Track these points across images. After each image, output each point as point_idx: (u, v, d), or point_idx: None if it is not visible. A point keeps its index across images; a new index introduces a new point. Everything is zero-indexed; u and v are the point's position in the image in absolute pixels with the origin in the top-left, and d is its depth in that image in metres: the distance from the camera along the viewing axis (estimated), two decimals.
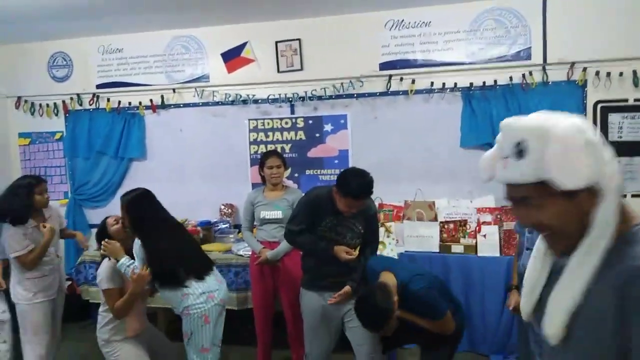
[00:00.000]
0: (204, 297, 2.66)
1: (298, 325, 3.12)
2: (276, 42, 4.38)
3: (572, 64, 3.85)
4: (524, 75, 3.94)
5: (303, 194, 3.20)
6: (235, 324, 3.70)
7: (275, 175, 3.38)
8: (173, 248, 2.68)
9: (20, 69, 5.00)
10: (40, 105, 4.96)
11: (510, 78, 3.96)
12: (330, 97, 4.32)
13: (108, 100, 4.77)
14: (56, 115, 4.94)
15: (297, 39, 4.34)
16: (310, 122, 4.45)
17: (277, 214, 3.33)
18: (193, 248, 2.87)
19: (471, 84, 4.03)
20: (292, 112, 4.48)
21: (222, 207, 4.54)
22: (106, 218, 2.91)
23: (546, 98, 3.90)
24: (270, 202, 3.37)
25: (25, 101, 4.98)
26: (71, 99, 4.86)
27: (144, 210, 2.70)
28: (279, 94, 4.40)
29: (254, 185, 4.23)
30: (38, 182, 3.07)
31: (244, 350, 3.77)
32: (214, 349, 2.73)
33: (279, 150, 4.44)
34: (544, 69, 3.92)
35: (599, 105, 3.89)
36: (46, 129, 5.01)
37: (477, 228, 3.78)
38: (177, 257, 2.66)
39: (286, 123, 4.50)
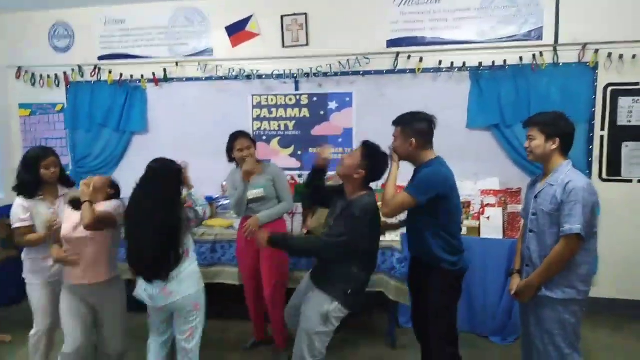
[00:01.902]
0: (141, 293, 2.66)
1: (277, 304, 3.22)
2: (282, 16, 4.29)
3: (584, 45, 3.77)
4: (534, 56, 3.86)
5: (280, 168, 3.34)
6: (234, 300, 3.72)
7: (246, 156, 3.22)
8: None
9: (21, 38, 4.91)
10: (41, 76, 4.89)
11: (521, 58, 3.88)
12: (336, 74, 4.24)
13: (110, 72, 4.70)
14: (57, 86, 4.87)
15: (303, 14, 4.24)
16: (315, 99, 4.38)
17: (259, 192, 3.24)
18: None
19: (480, 63, 3.95)
20: (297, 88, 4.41)
21: (224, 183, 4.50)
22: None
23: (556, 80, 3.83)
24: (251, 183, 3.22)
25: (26, 71, 4.91)
26: (72, 70, 4.79)
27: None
28: (284, 70, 4.33)
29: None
30: (44, 156, 2.89)
31: (243, 325, 3.78)
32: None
33: (282, 127, 4.41)
34: (555, 50, 3.84)
35: (610, 89, 3.82)
36: (47, 100, 4.95)
37: (481, 210, 3.75)
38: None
39: (290, 100, 4.44)
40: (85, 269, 2.70)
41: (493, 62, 3.93)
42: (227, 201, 4.27)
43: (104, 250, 2.72)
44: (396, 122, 2.56)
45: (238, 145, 3.27)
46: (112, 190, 2.86)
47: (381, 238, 3.47)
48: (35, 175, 2.86)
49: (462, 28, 4.02)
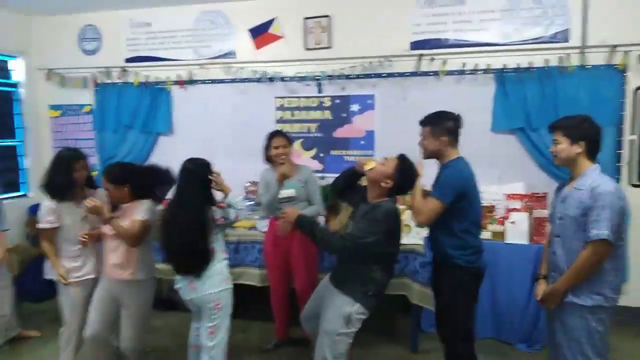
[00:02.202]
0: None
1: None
2: (305, 19, 4.31)
3: (613, 47, 3.68)
4: (560, 58, 3.79)
5: (312, 171, 3.40)
6: (256, 301, 3.74)
7: (282, 155, 3.31)
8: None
9: (52, 42, 5.05)
10: (71, 78, 5.01)
11: (546, 60, 3.82)
12: (358, 77, 4.25)
13: (136, 74, 4.79)
14: (85, 88, 4.98)
15: (326, 16, 4.26)
16: (337, 101, 4.38)
17: (291, 192, 3.31)
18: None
19: (505, 65, 3.90)
20: (319, 91, 4.42)
21: (247, 184, 4.54)
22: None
23: (584, 82, 3.76)
24: (283, 183, 3.29)
25: (56, 73, 5.03)
26: (100, 72, 4.90)
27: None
28: (307, 72, 4.35)
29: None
30: (77, 158, 2.93)
31: (264, 327, 3.80)
32: None
33: (305, 130, 4.42)
34: (582, 52, 3.76)
35: None
36: (75, 102, 5.07)
37: (506, 214, 3.70)
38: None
39: (313, 102, 4.45)
40: (115, 265, 2.81)
41: (518, 65, 3.87)
42: (250, 202, 4.30)
43: (133, 250, 2.80)
44: (424, 122, 2.64)
45: (275, 143, 3.35)
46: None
47: (404, 241, 3.48)
48: (69, 177, 2.88)
49: (487, 30, 3.98)
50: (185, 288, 2.69)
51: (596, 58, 3.76)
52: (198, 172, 2.70)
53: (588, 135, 2.26)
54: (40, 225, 2.90)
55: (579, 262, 2.19)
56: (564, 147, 2.29)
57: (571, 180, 2.34)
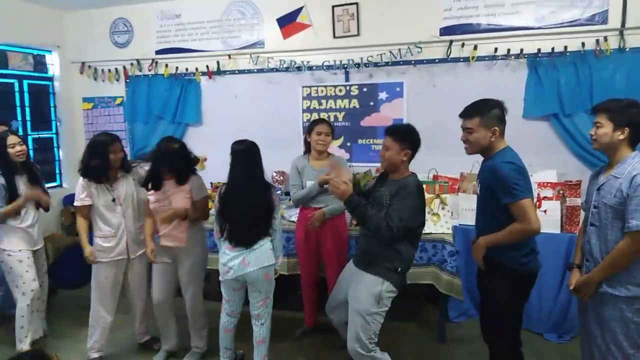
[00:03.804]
0: (222, 267, 2.89)
1: None
2: (333, 7, 4.27)
3: None
4: (597, 41, 3.65)
5: (346, 162, 3.38)
6: (284, 289, 3.77)
7: (322, 142, 3.36)
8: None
9: (85, 35, 5.17)
10: (103, 70, 5.13)
11: (583, 44, 3.68)
12: (387, 64, 4.19)
13: (166, 66, 4.86)
14: (117, 80, 5.10)
15: (354, 3, 4.21)
16: (365, 89, 4.35)
17: None
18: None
19: (539, 50, 3.79)
20: (347, 79, 4.39)
21: (274, 174, 4.57)
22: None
23: (622, 67, 3.62)
24: (317, 171, 3.35)
25: (89, 66, 5.16)
26: (131, 64, 5.00)
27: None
28: (334, 61, 4.32)
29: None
30: (112, 141, 3.08)
31: (292, 315, 3.84)
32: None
33: (332, 119, 4.40)
34: (621, 34, 3.61)
35: None
36: (107, 94, 5.19)
37: (538, 203, 3.61)
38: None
39: (340, 90, 4.43)
40: (174, 236, 3.05)
41: (552, 49, 3.75)
42: (277, 192, 4.32)
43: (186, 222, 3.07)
44: (470, 114, 2.43)
45: (319, 129, 3.39)
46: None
47: (433, 230, 3.46)
48: (105, 160, 3.05)
49: (520, 13, 3.86)
50: (238, 266, 2.81)
51: (636, 40, 3.60)
52: (250, 151, 2.93)
53: (634, 120, 2.13)
54: (76, 203, 3.10)
55: (616, 252, 2.11)
56: (606, 131, 2.17)
57: (609, 168, 2.25)
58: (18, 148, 3.21)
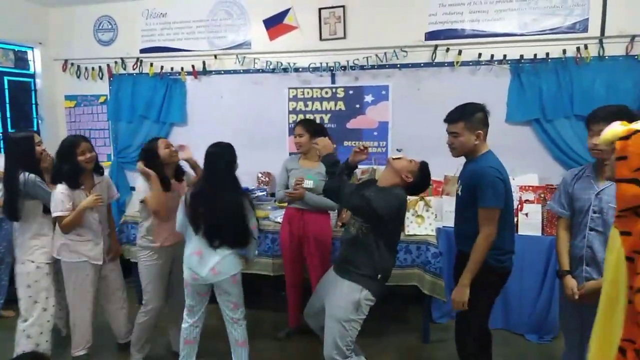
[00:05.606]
0: (188, 272, 2.83)
1: None
2: (319, 9, 4.29)
3: (633, 37, 3.62)
4: (578, 49, 3.74)
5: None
6: (269, 290, 3.78)
7: (297, 143, 3.43)
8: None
9: (68, 32, 5.10)
10: (86, 68, 5.06)
11: (564, 51, 3.77)
12: (373, 67, 4.23)
13: (151, 65, 4.82)
14: (101, 78, 5.04)
15: (341, 6, 4.24)
16: (351, 92, 4.38)
17: (309, 183, 3.31)
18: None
19: (521, 56, 3.86)
20: (333, 81, 4.41)
21: (260, 175, 4.57)
22: (157, 139, 3.10)
23: (601, 74, 3.70)
24: (304, 171, 3.38)
25: (72, 64, 5.09)
26: (115, 63, 4.94)
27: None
28: (321, 63, 4.34)
29: (292, 155, 4.23)
30: (77, 143, 2.90)
31: (277, 315, 3.84)
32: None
33: (317, 120, 4.41)
34: (600, 42, 3.71)
35: None
36: (91, 92, 5.12)
37: (519, 206, 3.68)
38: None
39: (326, 93, 4.45)
40: (173, 234, 3.05)
41: (535, 55, 3.83)
42: (262, 193, 4.33)
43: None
44: (455, 118, 2.47)
45: (295, 130, 3.46)
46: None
47: (417, 232, 3.50)
48: (74, 163, 2.89)
49: (504, 20, 3.93)
50: (209, 273, 2.75)
51: (615, 48, 3.70)
52: (226, 154, 2.85)
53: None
54: (58, 214, 2.84)
55: None
56: None
57: (605, 172, 2.21)
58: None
